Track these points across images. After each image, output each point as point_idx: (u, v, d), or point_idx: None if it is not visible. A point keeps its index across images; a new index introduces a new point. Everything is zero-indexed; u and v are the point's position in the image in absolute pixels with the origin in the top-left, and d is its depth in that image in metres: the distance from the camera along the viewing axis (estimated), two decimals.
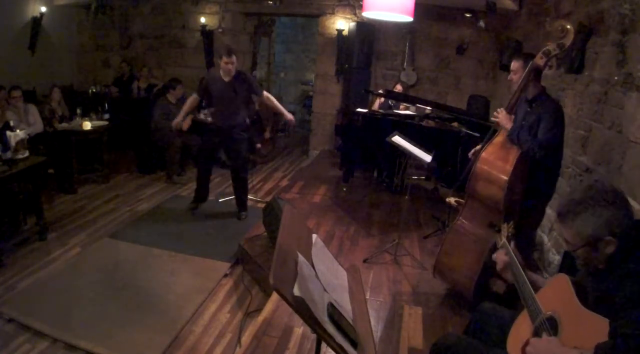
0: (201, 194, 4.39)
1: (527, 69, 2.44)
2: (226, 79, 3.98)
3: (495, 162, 2.51)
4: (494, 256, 1.74)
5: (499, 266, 1.71)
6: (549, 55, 2.38)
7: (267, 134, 6.68)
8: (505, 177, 2.41)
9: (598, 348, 1.14)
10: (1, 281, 3.02)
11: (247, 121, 4.25)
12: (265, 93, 4.18)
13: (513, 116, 2.56)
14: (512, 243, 1.73)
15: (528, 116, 2.54)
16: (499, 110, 2.60)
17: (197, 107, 5.32)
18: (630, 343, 1.10)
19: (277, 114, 8.45)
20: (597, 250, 1.34)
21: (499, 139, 2.59)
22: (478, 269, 2.60)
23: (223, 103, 4.05)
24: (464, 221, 2.75)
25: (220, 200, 4.59)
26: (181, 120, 4.27)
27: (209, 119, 4.26)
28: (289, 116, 4.25)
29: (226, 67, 3.90)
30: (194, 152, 5.71)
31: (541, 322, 1.38)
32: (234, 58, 3.89)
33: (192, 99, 4.25)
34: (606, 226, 1.31)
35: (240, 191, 4.34)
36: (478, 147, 2.87)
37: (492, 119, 2.70)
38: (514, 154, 2.47)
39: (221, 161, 5.36)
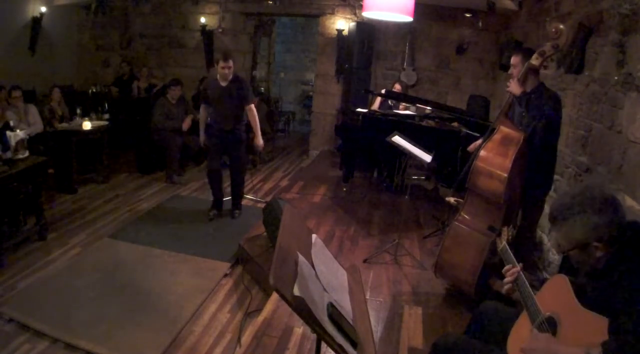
0: (217, 200, 4.38)
1: (524, 68, 2.56)
2: (223, 83, 4.00)
3: (494, 158, 2.60)
4: (503, 282, 1.63)
5: (505, 287, 1.61)
6: (545, 56, 2.48)
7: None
8: (505, 173, 2.51)
9: (605, 345, 1.14)
10: (1, 281, 3.02)
11: (245, 122, 4.26)
12: (252, 105, 4.18)
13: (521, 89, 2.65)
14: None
15: (528, 106, 2.66)
16: (510, 81, 2.68)
17: (197, 107, 5.32)
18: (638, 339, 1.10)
19: (275, 115, 8.59)
20: (586, 253, 1.38)
21: (497, 136, 2.66)
22: (480, 265, 2.62)
23: (220, 106, 4.07)
24: (465, 216, 2.80)
25: None
26: (204, 137, 4.29)
27: (208, 119, 4.27)
28: (259, 141, 4.29)
29: (223, 71, 3.93)
30: (193, 153, 5.72)
31: (541, 322, 1.38)
32: (230, 62, 3.91)
33: (203, 110, 4.24)
34: (593, 233, 1.34)
35: (236, 190, 4.39)
36: (478, 141, 3.01)
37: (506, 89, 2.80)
38: (512, 149, 2.55)
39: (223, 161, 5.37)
